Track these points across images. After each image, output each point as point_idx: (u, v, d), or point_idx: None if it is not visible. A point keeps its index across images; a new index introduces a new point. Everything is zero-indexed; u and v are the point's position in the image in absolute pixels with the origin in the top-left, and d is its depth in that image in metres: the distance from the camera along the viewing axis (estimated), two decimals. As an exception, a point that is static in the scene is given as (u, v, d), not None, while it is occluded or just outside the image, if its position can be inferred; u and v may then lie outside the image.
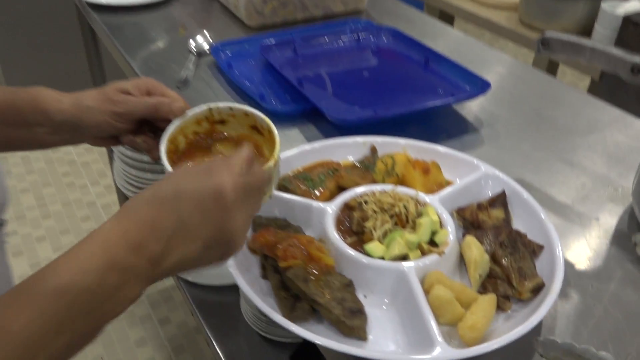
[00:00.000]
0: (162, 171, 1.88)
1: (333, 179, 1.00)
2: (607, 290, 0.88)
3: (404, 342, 0.77)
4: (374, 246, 0.84)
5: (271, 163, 0.77)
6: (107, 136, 0.86)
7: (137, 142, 0.87)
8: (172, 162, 0.81)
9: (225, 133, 0.90)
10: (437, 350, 0.71)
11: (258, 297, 0.76)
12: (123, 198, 2.37)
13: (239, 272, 0.80)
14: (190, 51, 1.49)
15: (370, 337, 0.77)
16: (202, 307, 1.70)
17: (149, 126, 0.87)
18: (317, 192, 0.97)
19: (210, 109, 0.88)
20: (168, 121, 0.84)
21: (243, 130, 0.89)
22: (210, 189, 0.58)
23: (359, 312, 0.78)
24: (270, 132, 0.85)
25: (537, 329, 0.76)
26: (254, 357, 1.56)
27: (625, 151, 1.20)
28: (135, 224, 0.55)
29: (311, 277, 0.79)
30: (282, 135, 1.20)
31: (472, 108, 1.34)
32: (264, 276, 0.85)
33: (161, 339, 2.26)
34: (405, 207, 0.89)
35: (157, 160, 0.80)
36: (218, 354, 1.58)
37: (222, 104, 0.87)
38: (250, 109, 0.87)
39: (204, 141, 0.89)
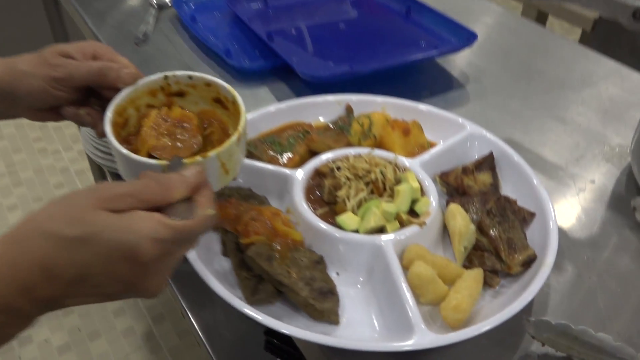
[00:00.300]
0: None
1: (303, 142, 0.90)
2: (604, 260, 0.80)
3: (380, 325, 0.69)
4: (346, 218, 0.75)
5: (234, 138, 0.67)
6: (46, 107, 0.75)
7: (80, 115, 0.75)
8: (123, 141, 0.70)
9: (184, 108, 0.79)
10: (416, 337, 0.63)
11: (213, 277, 0.67)
12: (95, 165, 2.26)
13: (195, 254, 0.71)
14: (150, 4, 1.36)
15: (343, 320, 0.69)
16: (177, 277, 1.62)
17: (95, 97, 0.76)
18: (285, 158, 0.88)
19: (166, 77, 0.75)
20: (116, 91, 0.72)
21: (205, 104, 0.77)
22: (125, 247, 0.49)
23: (329, 292, 0.69)
24: (235, 104, 0.73)
25: (527, 307, 0.68)
26: (231, 329, 1.49)
27: (622, 106, 1.11)
28: (27, 263, 0.48)
29: (276, 254, 0.70)
30: (250, 94, 1.10)
31: (457, 62, 1.24)
32: (225, 254, 0.76)
33: (140, 308, 2.19)
34: (382, 173, 0.79)
35: (103, 136, 0.69)
36: (193, 325, 1.51)
37: (179, 72, 0.76)
38: (213, 79, 0.75)
39: None
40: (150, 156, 0.68)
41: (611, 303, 0.74)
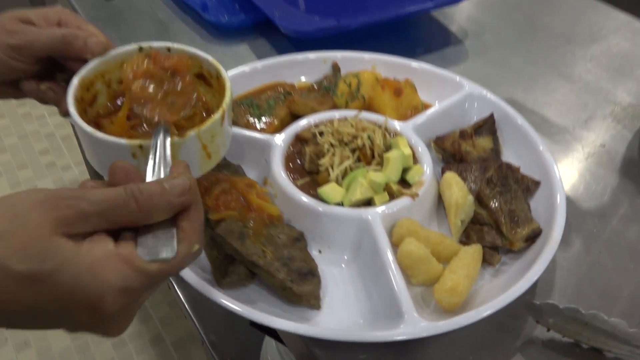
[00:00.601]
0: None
1: (284, 104, 0.82)
2: (614, 232, 0.73)
3: (366, 310, 0.62)
4: (330, 189, 0.67)
5: (217, 116, 0.58)
6: (2, 81, 0.66)
7: (41, 91, 0.66)
8: (91, 122, 0.62)
9: None
10: (405, 325, 0.56)
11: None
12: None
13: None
14: (121, -46, 1.24)
15: (324, 304, 0.62)
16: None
17: (60, 71, 0.67)
18: (264, 122, 0.79)
19: (140, 49, 0.66)
20: (83, 62, 0.62)
21: None
22: (85, 296, 0.40)
23: (310, 274, 0.62)
24: (220, 79, 0.64)
25: (531, 288, 0.60)
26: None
27: (634, 63, 1.02)
28: None
29: (249, 232, 0.62)
30: (230, 53, 1.00)
31: (455, 16, 1.14)
32: (194, 230, 0.68)
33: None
34: (370, 138, 0.71)
35: (67, 115, 0.60)
36: (180, 297, 1.45)
37: (156, 43, 0.65)
38: (195, 51, 0.65)
39: None
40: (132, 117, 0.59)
41: (623, 281, 0.67)
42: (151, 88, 0.60)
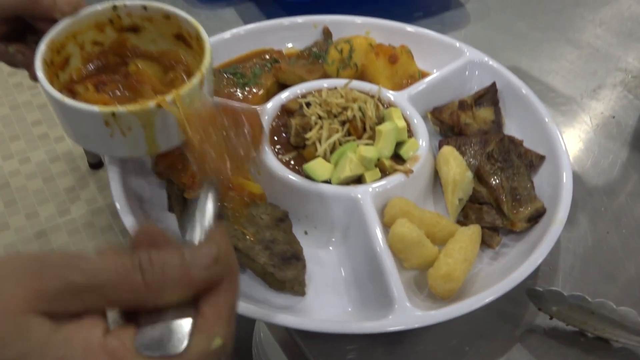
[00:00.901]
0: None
1: (271, 73, 0.76)
2: (622, 210, 0.68)
3: (355, 297, 0.57)
4: (316, 165, 0.62)
5: (195, 80, 0.54)
6: None
7: (9, 53, 0.60)
8: (63, 86, 0.56)
9: (140, 47, 0.64)
10: (395, 315, 0.51)
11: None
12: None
13: (126, 203, 0.58)
14: None
15: (310, 290, 0.57)
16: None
17: (31, 33, 0.61)
18: (249, 92, 0.74)
19: (115, 8, 0.60)
20: (53, 22, 0.58)
21: (164, 42, 0.62)
22: None
23: (294, 258, 0.57)
24: (199, 40, 0.58)
25: (533, 272, 0.56)
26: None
27: (647, 27, 0.96)
28: None
29: (227, 212, 0.58)
30: (214, 17, 0.94)
31: (456, -23, 1.07)
32: (171, 209, 0.63)
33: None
34: (361, 109, 0.66)
35: (36, 80, 0.55)
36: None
37: (130, 2, 0.60)
38: (172, 9, 0.59)
39: (111, 59, 0.63)
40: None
41: (631, 263, 0.62)
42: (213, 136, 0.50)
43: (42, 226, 1.99)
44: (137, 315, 0.33)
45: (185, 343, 0.31)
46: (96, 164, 2.14)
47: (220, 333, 0.33)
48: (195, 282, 0.33)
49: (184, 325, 0.32)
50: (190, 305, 0.33)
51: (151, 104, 0.51)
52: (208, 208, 0.40)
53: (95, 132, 0.53)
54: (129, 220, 0.57)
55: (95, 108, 0.51)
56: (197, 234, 0.37)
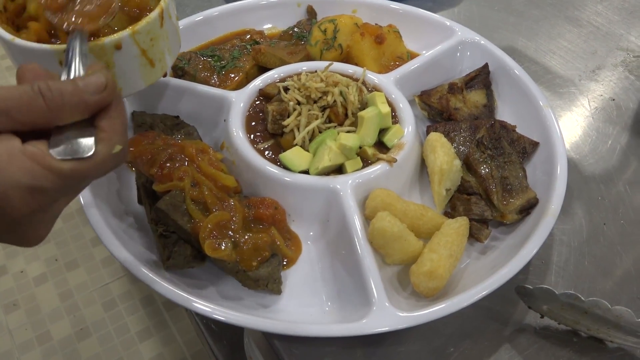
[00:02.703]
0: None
1: (251, 55, 0.72)
2: (622, 200, 0.64)
3: (333, 295, 0.54)
4: (293, 155, 0.58)
5: (154, 14, 0.51)
6: None
7: None
8: (14, 30, 0.54)
9: None
10: (372, 316, 0.48)
11: (112, 236, 0.52)
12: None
13: (92, 199, 0.55)
14: None
15: (285, 288, 0.54)
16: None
17: None
18: (226, 77, 0.70)
19: None
20: None
21: None
22: None
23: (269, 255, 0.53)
24: None
25: (524, 267, 0.52)
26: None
27: (651, 4, 0.91)
28: None
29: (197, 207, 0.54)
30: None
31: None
32: (140, 201, 0.60)
33: (119, 236, 2.09)
34: (342, 94, 0.62)
35: None
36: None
37: None
38: None
39: None
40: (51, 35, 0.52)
41: (629, 256, 0.59)
42: None
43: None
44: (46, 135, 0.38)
45: (93, 150, 0.37)
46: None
47: (119, 141, 0.39)
48: (90, 105, 0.38)
49: (89, 137, 0.38)
50: (89, 124, 0.39)
51: (106, 39, 0.49)
52: (82, 49, 0.44)
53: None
54: (93, 214, 0.53)
55: (47, 46, 0.48)
56: (79, 69, 0.42)
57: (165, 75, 0.60)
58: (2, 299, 1.73)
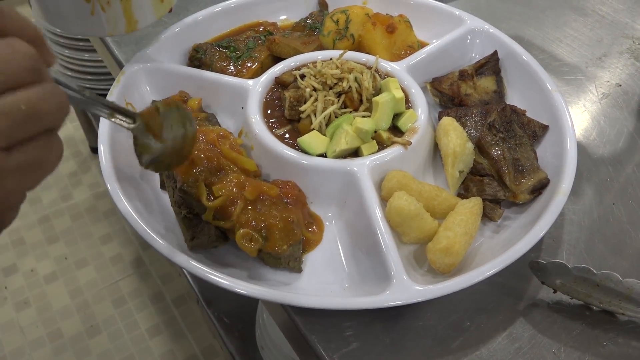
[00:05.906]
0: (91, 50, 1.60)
1: (265, 45, 0.74)
2: (631, 182, 0.66)
3: (352, 272, 0.56)
4: (311, 139, 0.60)
5: None
6: None
7: None
8: None
9: None
10: (393, 290, 0.49)
11: (136, 216, 0.53)
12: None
13: (116, 180, 0.57)
14: None
15: (306, 266, 0.56)
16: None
17: None
18: (243, 66, 0.72)
19: None
20: None
21: None
22: None
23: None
24: None
25: (536, 245, 0.54)
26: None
27: (655, -7, 0.93)
28: None
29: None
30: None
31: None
32: (163, 186, 0.61)
33: (127, 234, 2.10)
34: (357, 80, 0.63)
35: None
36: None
37: None
38: None
39: None
40: None
41: (638, 235, 0.60)
42: None
43: (45, 211, 1.98)
44: None
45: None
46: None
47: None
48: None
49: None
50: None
51: None
52: None
53: (75, 9, 0.53)
54: (119, 198, 0.55)
55: None
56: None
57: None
58: (13, 297, 1.75)
